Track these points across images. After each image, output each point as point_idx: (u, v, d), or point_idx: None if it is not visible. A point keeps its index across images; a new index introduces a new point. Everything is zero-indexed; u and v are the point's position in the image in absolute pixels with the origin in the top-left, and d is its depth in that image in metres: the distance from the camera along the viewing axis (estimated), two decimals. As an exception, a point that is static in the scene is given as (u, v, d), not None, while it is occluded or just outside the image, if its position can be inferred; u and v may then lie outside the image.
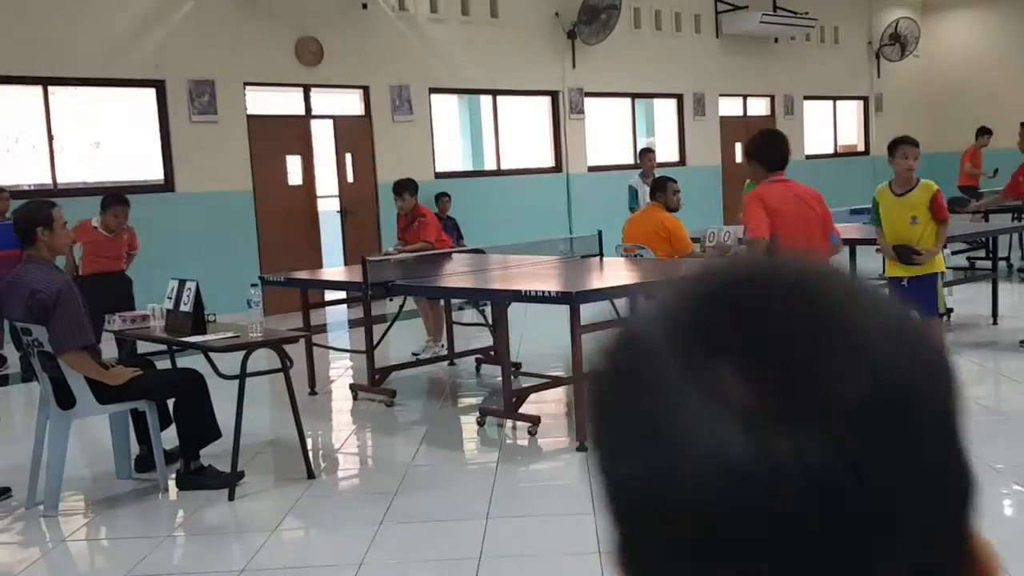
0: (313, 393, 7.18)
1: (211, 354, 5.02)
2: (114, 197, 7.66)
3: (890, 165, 6.15)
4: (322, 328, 9.11)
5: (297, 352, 5.97)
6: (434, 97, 12.87)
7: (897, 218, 6.10)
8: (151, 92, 10.55)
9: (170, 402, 5.20)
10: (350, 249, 11.66)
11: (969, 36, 19.46)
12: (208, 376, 5.06)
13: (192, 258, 10.07)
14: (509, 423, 6.06)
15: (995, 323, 8.34)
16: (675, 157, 15.78)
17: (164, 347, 5.70)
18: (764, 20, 15.91)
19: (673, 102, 15.83)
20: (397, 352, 8.21)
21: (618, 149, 14.89)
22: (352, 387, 7.28)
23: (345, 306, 9.55)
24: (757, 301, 0.51)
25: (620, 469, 0.52)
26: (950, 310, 8.22)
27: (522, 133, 14.15)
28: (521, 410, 5.98)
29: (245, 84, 11.11)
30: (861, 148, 19.19)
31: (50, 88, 10.00)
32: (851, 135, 19.21)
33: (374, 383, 7.08)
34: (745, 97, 16.97)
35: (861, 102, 19.04)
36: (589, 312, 5.58)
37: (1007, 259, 11.62)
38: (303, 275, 7.83)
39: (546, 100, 14.13)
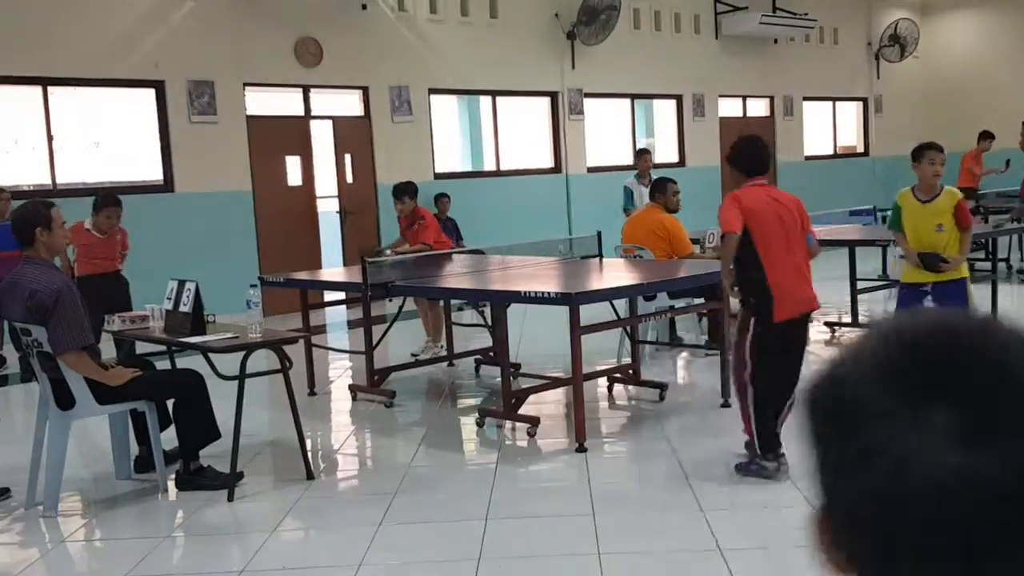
0: (312, 394, 7.18)
1: (210, 355, 5.01)
2: (106, 198, 7.61)
3: (914, 171, 6.02)
4: (321, 329, 9.13)
5: (296, 353, 5.97)
6: (433, 98, 12.87)
7: (922, 225, 6.00)
8: (150, 92, 10.55)
9: (169, 403, 5.21)
10: (349, 250, 11.66)
11: (969, 37, 19.46)
12: (207, 377, 5.06)
13: (191, 259, 10.07)
14: (508, 424, 6.06)
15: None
16: (674, 158, 15.78)
17: (164, 348, 5.70)
18: (763, 21, 15.91)
19: (672, 103, 15.83)
20: (396, 353, 8.21)
21: (617, 150, 14.89)
22: (351, 388, 7.28)
23: (344, 307, 9.55)
24: (956, 344, 0.65)
25: (846, 485, 0.66)
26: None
27: (521, 134, 14.15)
28: (520, 411, 5.99)
29: (244, 84, 11.11)
30: (860, 149, 19.19)
31: (49, 88, 10.00)
32: (850, 136, 19.22)
33: (373, 384, 7.08)
34: (744, 98, 16.97)
35: (860, 103, 19.05)
36: (589, 313, 5.59)
37: (1007, 260, 11.64)
38: (302, 276, 7.82)
39: (545, 101, 14.13)
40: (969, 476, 0.60)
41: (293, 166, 11.61)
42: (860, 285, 8.85)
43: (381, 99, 12.20)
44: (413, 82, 12.43)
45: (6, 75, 9.67)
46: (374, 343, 7.16)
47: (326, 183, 12.14)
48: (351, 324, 10.42)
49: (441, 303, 8.07)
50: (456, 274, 7.34)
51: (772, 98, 17.27)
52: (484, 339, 8.03)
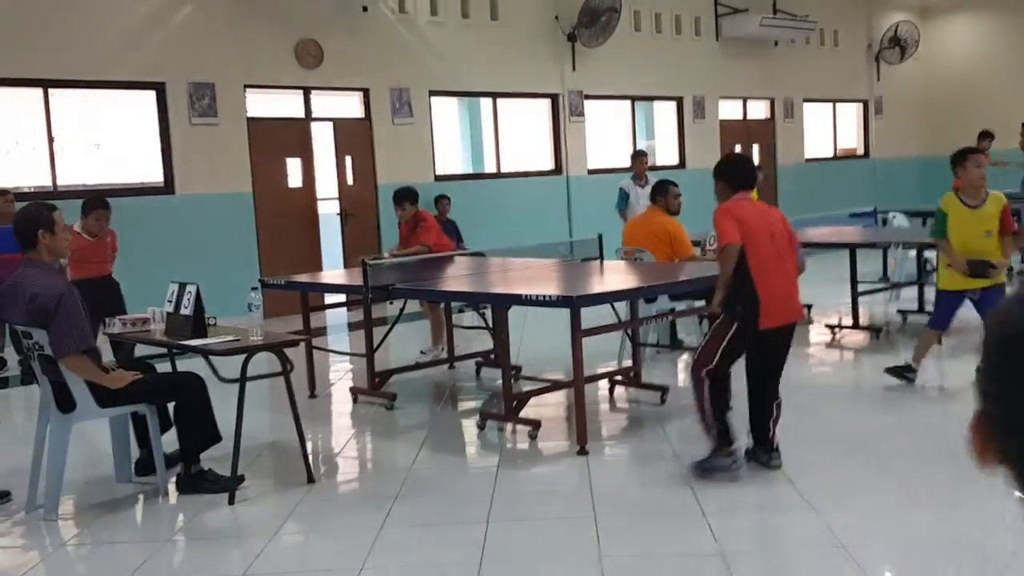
0: (313, 396, 7.18)
1: (211, 358, 5.01)
2: (94, 200, 7.62)
3: (957, 176, 5.94)
4: (322, 331, 9.13)
5: (297, 356, 5.97)
6: (434, 100, 12.87)
7: (970, 232, 5.89)
8: (151, 94, 10.55)
9: (170, 406, 5.20)
10: (350, 252, 11.66)
11: (969, 39, 19.47)
12: (208, 380, 5.05)
13: (192, 261, 10.08)
14: (510, 427, 6.05)
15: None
16: (675, 160, 15.79)
17: (164, 350, 5.70)
18: (764, 23, 15.92)
19: (673, 105, 15.83)
20: (397, 355, 8.21)
21: (618, 152, 14.88)
22: (352, 390, 7.28)
23: (345, 309, 9.54)
24: None
25: (1016, 396, 0.87)
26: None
27: (522, 136, 14.15)
28: (522, 414, 5.99)
29: (245, 87, 11.11)
30: (861, 151, 19.19)
31: (50, 90, 10.00)
32: (851, 138, 19.22)
33: (374, 386, 7.08)
34: (745, 100, 16.97)
35: (861, 105, 19.05)
36: (589, 315, 5.58)
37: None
38: (303, 278, 7.81)
39: (546, 103, 14.14)
40: None
41: (294, 168, 11.62)
42: (861, 287, 8.85)
43: (382, 101, 12.21)
44: (414, 84, 12.44)
45: (7, 77, 9.67)
46: (375, 346, 7.16)
47: (327, 185, 12.14)
48: (352, 326, 10.42)
49: (442, 305, 8.07)
50: (457, 276, 7.33)
51: (772, 100, 17.28)
52: (485, 341, 8.03)
